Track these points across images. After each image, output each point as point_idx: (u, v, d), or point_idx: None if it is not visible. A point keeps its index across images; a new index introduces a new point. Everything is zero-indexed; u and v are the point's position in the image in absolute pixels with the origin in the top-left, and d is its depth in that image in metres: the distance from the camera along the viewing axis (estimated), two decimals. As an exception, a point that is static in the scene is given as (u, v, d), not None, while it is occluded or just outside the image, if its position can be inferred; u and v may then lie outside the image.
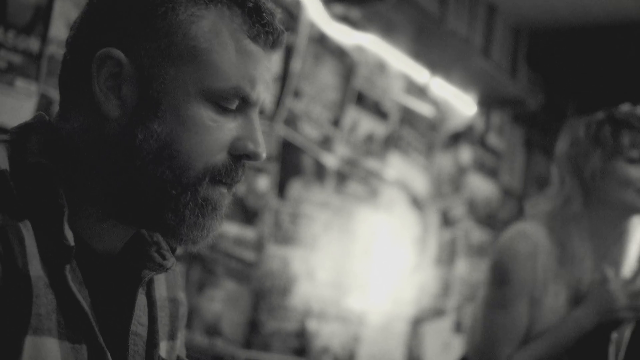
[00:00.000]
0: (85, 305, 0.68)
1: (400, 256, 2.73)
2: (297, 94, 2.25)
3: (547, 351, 1.55)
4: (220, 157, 0.73)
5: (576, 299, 1.58)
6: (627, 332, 1.53)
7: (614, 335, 1.50)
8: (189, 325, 1.73)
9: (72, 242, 0.68)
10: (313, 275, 2.36)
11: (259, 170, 2.14)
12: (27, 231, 0.66)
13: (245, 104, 0.74)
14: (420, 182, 2.84)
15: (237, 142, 0.74)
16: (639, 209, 1.57)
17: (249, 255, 2.13)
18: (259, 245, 2.16)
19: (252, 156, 0.74)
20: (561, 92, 3.75)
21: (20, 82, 1.54)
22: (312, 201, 2.35)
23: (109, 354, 0.70)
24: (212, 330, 2.02)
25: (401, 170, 2.73)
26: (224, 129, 0.73)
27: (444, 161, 3.03)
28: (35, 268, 0.65)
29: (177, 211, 0.71)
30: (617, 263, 1.62)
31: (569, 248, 1.58)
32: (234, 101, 0.73)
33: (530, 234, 1.60)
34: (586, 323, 1.52)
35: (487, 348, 1.61)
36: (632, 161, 1.56)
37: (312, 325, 2.36)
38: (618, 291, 1.48)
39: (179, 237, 0.73)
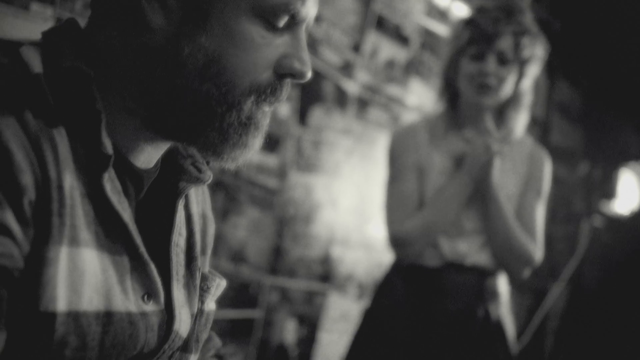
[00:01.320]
0: (124, 216, 0.66)
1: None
2: (316, 19, 2.19)
3: (434, 213, 1.68)
4: (265, 76, 0.70)
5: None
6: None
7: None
8: (214, 252, 1.73)
9: (110, 151, 0.65)
10: (336, 202, 2.35)
11: (280, 97, 2.11)
12: (61, 138, 0.63)
13: (293, 21, 0.71)
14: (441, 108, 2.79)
15: (284, 61, 0.71)
16: (479, 103, 1.70)
17: (271, 182, 2.12)
18: (281, 173, 2.15)
19: (298, 75, 0.72)
20: (583, 17, 3.64)
21: (35, 6, 1.50)
22: (334, 128, 2.32)
23: (152, 265, 0.69)
24: (238, 257, 2.03)
25: (422, 96, 2.68)
26: (271, 47, 0.70)
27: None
28: (70, 178, 0.62)
29: (221, 130, 0.69)
30: (486, 128, 1.74)
31: (440, 124, 1.79)
32: (284, 18, 0.70)
33: (414, 123, 1.87)
34: (460, 175, 1.67)
35: (386, 218, 1.76)
36: (473, 57, 1.67)
37: (336, 252, 2.37)
38: (477, 141, 1.66)
39: (221, 155, 0.72)
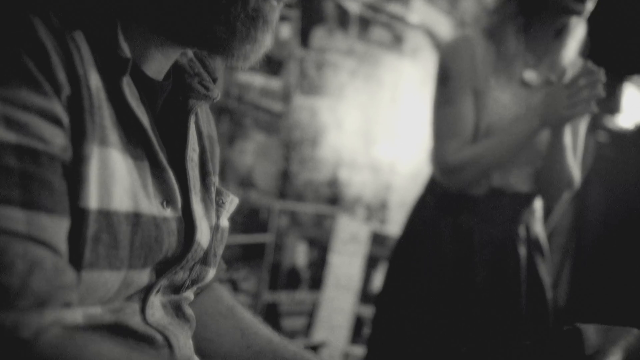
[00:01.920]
0: (144, 120, 0.66)
1: (428, 103, 2.68)
2: None
3: (495, 147, 1.59)
4: None
5: (520, 94, 1.63)
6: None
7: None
8: (222, 177, 1.72)
9: (128, 54, 0.64)
10: (341, 124, 2.33)
11: (280, 18, 2.05)
12: (82, 41, 0.62)
13: None
14: (444, 27, 2.73)
15: None
16: (571, 9, 1.55)
17: (276, 106, 2.09)
18: (285, 96, 2.12)
19: None
20: None
21: None
22: (336, 49, 2.27)
23: (170, 172, 0.68)
24: (246, 182, 2.02)
25: (425, 14, 2.62)
26: None
27: (468, 4, 2.90)
28: (95, 79, 0.62)
29: (227, 23, 0.67)
30: (555, 61, 1.65)
31: (505, 44, 1.61)
32: None
33: (469, 36, 1.69)
34: (534, 122, 1.55)
35: (437, 145, 1.66)
36: None
37: (343, 174, 2.36)
38: (559, 92, 1.50)
39: (231, 51, 0.69)
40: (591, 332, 0.91)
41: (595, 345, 0.83)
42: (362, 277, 2.48)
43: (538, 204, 1.72)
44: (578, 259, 3.35)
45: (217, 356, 0.85)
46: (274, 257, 2.16)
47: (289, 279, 2.22)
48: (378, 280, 2.53)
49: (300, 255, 2.25)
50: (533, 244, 1.70)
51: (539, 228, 1.74)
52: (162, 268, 0.67)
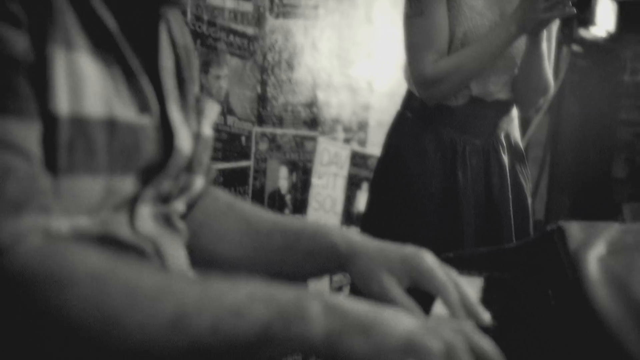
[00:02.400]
0: (110, 24, 0.63)
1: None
2: None
3: (473, 56, 1.57)
4: None
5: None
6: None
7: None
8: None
9: None
10: (316, 46, 2.30)
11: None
12: None
13: None
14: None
15: None
16: None
17: (249, 29, 2.05)
18: (258, 19, 2.08)
19: None
20: None
21: None
22: (307, -33, 2.21)
23: (144, 78, 0.66)
24: (223, 109, 2.00)
25: None
26: None
27: None
28: None
29: None
30: None
31: None
32: None
33: None
34: (512, 28, 1.53)
35: (413, 58, 1.63)
36: None
37: (321, 96, 2.34)
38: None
39: None
40: (574, 228, 0.94)
41: (578, 240, 0.85)
42: (345, 198, 2.50)
43: (515, 112, 1.74)
44: (554, 171, 3.40)
45: (231, 252, 0.85)
46: (256, 182, 2.16)
47: (273, 204, 2.24)
48: (361, 201, 2.55)
49: (282, 179, 2.26)
50: (513, 150, 1.72)
51: (517, 135, 1.75)
52: (146, 177, 0.66)
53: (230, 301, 0.53)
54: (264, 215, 0.88)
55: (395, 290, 0.78)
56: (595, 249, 0.80)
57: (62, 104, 0.57)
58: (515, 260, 1.04)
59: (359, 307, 0.56)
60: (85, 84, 0.59)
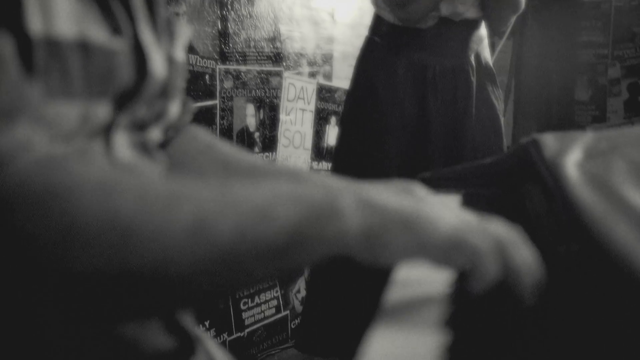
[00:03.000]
0: None
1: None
2: None
3: None
4: None
5: None
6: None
7: None
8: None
9: None
10: (276, -22, 2.24)
11: None
12: None
13: None
14: None
15: None
16: None
17: (205, -37, 1.99)
18: (214, -49, 2.01)
19: None
20: None
21: None
22: None
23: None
24: (185, 48, 1.95)
25: None
26: None
27: None
28: None
29: None
30: None
31: None
32: None
33: None
34: None
35: None
36: None
37: (283, 30, 2.30)
38: None
39: None
40: (549, 139, 0.94)
41: (554, 149, 0.85)
42: (314, 133, 2.49)
43: (484, 32, 1.73)
44: (519, 96, 3.42)
45: None
46: (223, 121, 2.13)
47: (241, 142, 2.21)
48: (331, 136, 2.54)
49: (249, 116, 2.23)
50: (484, 70, 1.72)
51: (487, 55, 1.75)
52: (121, 103, 0.64)
53: (255, 203, 0.47)
54: (243, 159, 0.86)
55: None
56: (572, 155, 0.80)
57: (34, 21, 0.53)
58: (492, 175, 1.05)
59: (397, 200, 0.51)
60: (55, 2, 0.55)
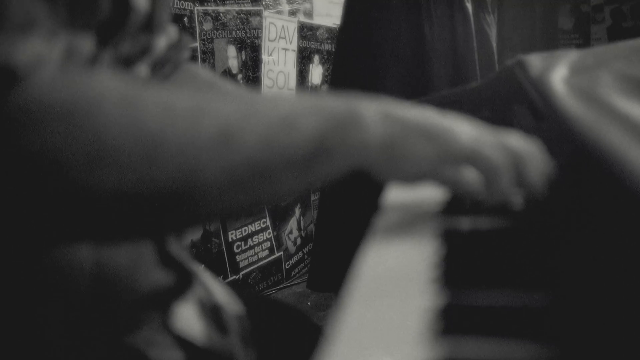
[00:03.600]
0: None
1: None
2: None
3: None
4: None
5: None
6: None
7: None
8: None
9: None
10: None
11: None
12: None
13: None
14: None
15: None
16: None
17: None
18: None
19: None
20: None
21: None
22: None
23: None
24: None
25: None
26: None
27: None
28: None
29: None
30: None
31: None
32: None
33: None
34: None
35: None
36: None
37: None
38: None
39: None
40: (534, 59, 0.93)
41: (540, 67, 0.85)
42: (297, 73, 2.46)
43: None
44: (501, 28, 3.39)
45: None
46: (205, 64, 2.10)
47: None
48: (315, 74, 2.51)
49: (231, 58, 2.19)
50: None
51: None
52: (105, 37, 0.62)
53: (279, 114, 0.47)
54: (250, 92, 0.84)
55: None
56: (558, 72, 0.79)
57: None
58: (481, 99, 1.04)
59: (417, 113, 0.52)
60: None
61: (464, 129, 0.52)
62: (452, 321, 0.40)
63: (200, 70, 0.86)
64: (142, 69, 0.72)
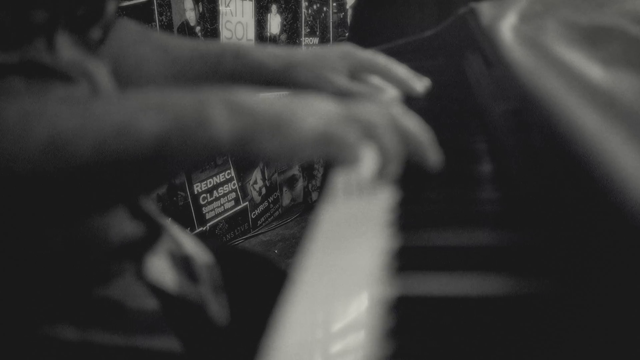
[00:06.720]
0: None
1: None
2: None
3: None
4: None
5: None
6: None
7: None
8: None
9: None
10: None
11: None
12: None
13: None
14: None
15: None
16: None
17: None
18: None
19: None
20: None
21: None
22: None
23: None
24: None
25: None
26: None
27: None
28: None
29: None
30: None
31: None
32: None
33: None
34: None
35: None
36: None
37: None
38: None
39: None
40: (485, 7, 0.96)
41: (491, 15, 0.88)
42: (255, 23, 2.44)
43: None
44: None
45: (150, 82, 0.82)
46: (162, 17, 2.07)
47: (182, 35, 2.16)
48: (273, 25, 2.50)
49: (188, 10, 2.17)
50: None
51: None
52: (58, 3, 0.63)
53: (115, 118, 0.48)
54: (181, 41, 0.85)
55: (345, 81, 0.79)
56: (507, 20, 0.82)
57: None
58: (435, 46, 1.07)
59: (268, 103, 0.52)
60: None
61: (316, 112, 0.53)
62: (408, 260, 0.43)
63: (128, 22, 0.86)
64: (96, 32, 0.73)
